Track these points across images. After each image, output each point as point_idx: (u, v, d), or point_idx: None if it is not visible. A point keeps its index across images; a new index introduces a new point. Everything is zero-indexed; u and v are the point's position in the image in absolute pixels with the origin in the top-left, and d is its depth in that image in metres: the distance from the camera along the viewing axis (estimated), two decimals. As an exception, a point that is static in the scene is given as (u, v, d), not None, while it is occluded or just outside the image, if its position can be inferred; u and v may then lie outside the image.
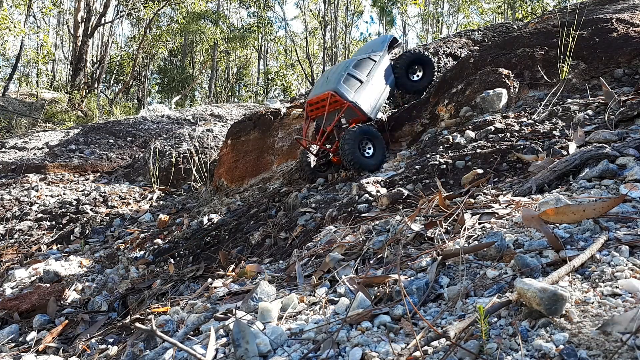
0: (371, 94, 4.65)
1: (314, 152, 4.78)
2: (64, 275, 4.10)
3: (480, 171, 2.93)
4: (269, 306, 1.69)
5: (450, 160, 3.30)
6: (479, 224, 1.99)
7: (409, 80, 5.22)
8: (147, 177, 7.15)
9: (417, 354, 1.17)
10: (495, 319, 1.22)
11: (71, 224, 5.49)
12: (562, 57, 4.02)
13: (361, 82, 4.57)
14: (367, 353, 1.24)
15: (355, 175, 4.50)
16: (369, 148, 4.29)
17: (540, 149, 2.90)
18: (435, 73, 5.63)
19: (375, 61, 4.80)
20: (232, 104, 12.02)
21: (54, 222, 5.53)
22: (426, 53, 5.44)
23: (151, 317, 2.49)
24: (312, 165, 4.71)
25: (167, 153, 7.93)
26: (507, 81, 4.19)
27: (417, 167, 3.45)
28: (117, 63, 21.83)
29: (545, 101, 3.74)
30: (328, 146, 4.69)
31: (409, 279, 1.65)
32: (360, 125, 4.34)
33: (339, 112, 4.50)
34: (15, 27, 13.95)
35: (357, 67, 4.65)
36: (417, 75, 5.33)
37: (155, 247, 4.56)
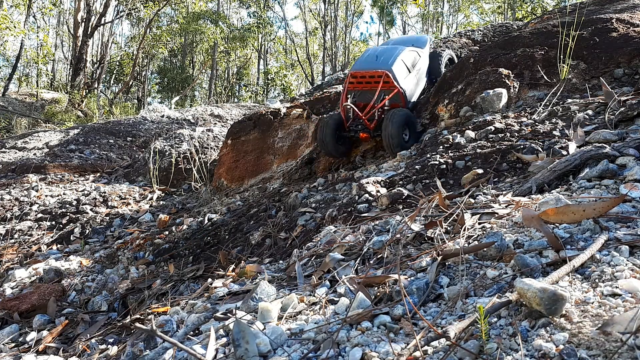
0: (413, 84, 4.86)
1: (347, 122, 4.78)
2: (64, 269, 4.10)
3: (480, 171, 2.92)
4: (269, 306, 1.69)
5: (450, 160, 3.30)
6: (479, 224, 1.99)
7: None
8: (147, 177, 7.15)
9: (417, 354, 1.17)
10: (495, 319, 1.22)
11: (71, 224, 5.49)
12: (562, 57, 4.02)
13: (409, 71, 4.77)
14: (367, 353, 1.24)
15: (354, 174, 4.50)
16: (406, 134, 4.41)
17: (540, 149, 2.90)
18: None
19: (420, 56, 5.02)
20: (232, 104, 12.02)
21: (54, 222, 5.53)
22: (453, 55, 5.91)
23: (151, 317, 2.49)
24: (333, 136, 4.73)
25: (167, 153, 7.93)
26: (507, 81, 4.19)
27: (417, 167, 3.45)
28: (117, 63, 21.84)
29: (545, 101, 3.74)
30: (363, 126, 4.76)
31: (409, 279, 1.65)
32: (405, 110, 4.52)
33: (387, 94, 4.61)
34: (15, 27, 13.95)
35: (407, 57, 4.81)
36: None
37: (155, 247, 4.56)
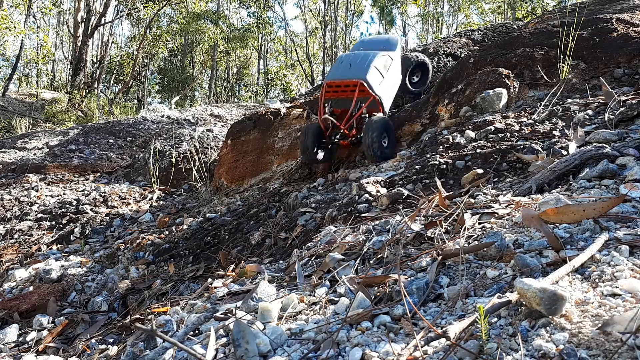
0: (388, 90, 4.87)
1: (327, 130, 4.82)
2: (64, 269, 4.10)
3: (480, 171, 2.93)
4: (269, 306, 1.69)
5: (450, 160, 3.30)
6: (479, 224, 1.99)
7: (410, 83, 5.60)
8: (147, 177, 7.15)
9: (417, 354, 1.17)
10: (495, 319, 1.22)
11: (71, 224, 5.49)
12: (562, 57, 4.02)
13: (383, 77, 4.75)
14: (367, 353, 1.24)
15: (354, 174, 4.49)
16: (385, 138, 4.48)
17: (540, 149, 2.90)
18: (430, 75, 5.90)
19: (392, 59, 4.98)
20: (232, 104, 12.01)
21: (54, 222, 5.53)
22: (425, 59, 5.76)
23: (151, 317, 2.49)
24: (314, 147, 4.78)
25: (167, 153, 7.93)
26: (507, 81, 4.19)
27: (417, 167, 3.45)
28: (117, 63, 21.83)
29: (545, 101, 3.74)
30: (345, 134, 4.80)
31: (409, 279, 1.65)
32: (382, 116, 4.58)
33: (363, 102, 4.64)
34: (15, 27, 13.95)
35: (379, 62, 4.80)
36: (417, 77, 5.71)
37: (155, 247, 4.56)
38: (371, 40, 5.69)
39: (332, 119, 4.70)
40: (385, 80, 4.80)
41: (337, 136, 4.84)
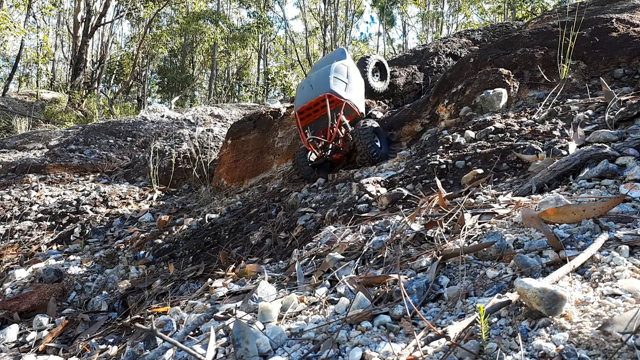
0: (355, 92, 4.95)
1: (317, 152, 4.90)
2: (64, 269, 4.10)
3: (480, 171, 2.93)
4: (269, 306, 1.69)
5: (450, 160, 3.30)
6: (479, 224, 2.00)
7: (373, 82, 5.89)
8: (147, 177, 7.15)
9: (417, 354, 1.17)
10: (495, 319, 1.22)
11: (71, 224, 5.49)
12: (562, 57, 4.02)
13: (345, 82, 4.83)
14: (367, 353, 1.24)
15: (354, 174, 4.49)
16: (377, 141, 4.58)
17: (540, 149, 2.90)
18: (388, 72, 6.27)
19: (347, 65, 5.09)
20: (232, 104, 12.01)
21: (54, 222, 5.53)
22: (381, 59, 6.13)
23: (151, 317, 2.49)
24: (309, 164, 4.88)
25: (167, 153, 7.93)
26: (507, 81, 4.19)
27: (417, 167, 3.45)
28: (117, 63, 21.83)
29: (545, 101, 3.74)
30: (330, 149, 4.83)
31: (409, 279, 1.65)
32: (368, 120, 4.62)
33: (338, 111, 4.68)
34: (15, 27, 13.94)
35: (337, 71, 4.90)
36: (377, 76, 6.07)
37: (155, 247, 4.56)
38: (320, 60, 5.89)
39: (316, 137, 4.78)
40: (349, 85, 4.87)
41: (329, 152, 4.87)
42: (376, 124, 4.65)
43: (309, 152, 4.96)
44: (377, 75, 6.01)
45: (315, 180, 4.73)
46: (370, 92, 5.79)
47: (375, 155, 4.43)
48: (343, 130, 4.81)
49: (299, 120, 4.87)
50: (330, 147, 4.85)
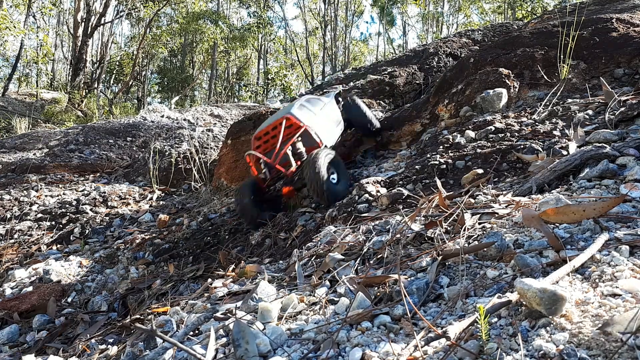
0: (325, 124, 4.45)
1: (264, 182, 4.26)
2: (64, 269, 4.10)
3: (480, 171, 2.93)
4: (269, 306, 1.69)
5: (450, 160, 3.30)
6: (479, 224, 1.99)
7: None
8: (147, 177, 7.15)
9: (417, 354, 1.17)
10: (495, 319, 1.22)
11: (71, 224, 5.49)
12: (562, 57, 4.02)
13: (314, 113, 4.41)
14: (367, 353, 1.24)
15: (354, 174, 4.48)
16: (333, 173, 3.83)
17: (540, 149, 2.90)
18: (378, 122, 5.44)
19: (325, 102, 4.72)
20: (232, 104, 12.02)
21: (53, 222, 5.53)
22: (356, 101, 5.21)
23: (151, 317, 2.49)
24: (253, 203, 4.09)
25: (167, 153, 7.93)
26: (507, 81, 4.19)
27: (417, 167, 3.45)
28: (117, 63, 21.84)
29: (545, 101, 3.74)
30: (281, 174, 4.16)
31: (409, 279, 1.65)
32: (326, 149, 3.94)
33: (295, 136, 4.12)
34: (15, 27, 13.95)
35: (309, 102, 4.56)
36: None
37: (155, 247, 4.56)
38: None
39: (259, 154, 4.11)
40: (317, 116, 4.40)
41: (277, 184, 4.31)
42: (333, 155, 3.90)
43: (258, 187, 4.24)
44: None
45: (258, 226, 4.04)
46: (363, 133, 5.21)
47: (328, 193, 3.61)
48: (296, 160, 4.10)
49: (255, 147, 4.30)
50: (279, 176, 4.21)
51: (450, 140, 3.71)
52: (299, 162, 4.04)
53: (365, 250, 2.17)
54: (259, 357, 1.38)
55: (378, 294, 1.64)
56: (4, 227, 5.34)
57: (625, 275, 1.25)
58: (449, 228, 2.06)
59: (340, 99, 5.24)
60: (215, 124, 9.73)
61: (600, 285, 1.24)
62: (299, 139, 4.16)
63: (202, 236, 4.51)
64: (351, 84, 7.23)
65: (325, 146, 4.24)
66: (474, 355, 1.09)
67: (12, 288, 3.91)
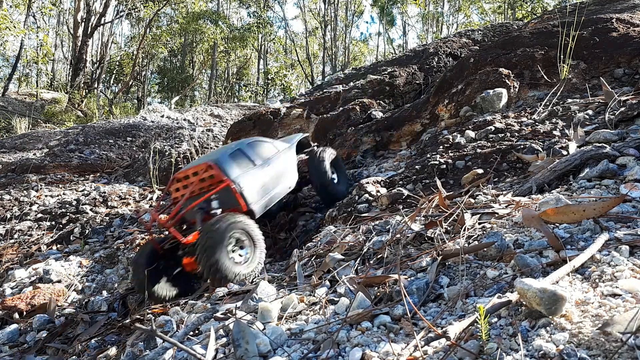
0: (263, 182, 3.52)
1: (160, 246, 3.29)
2: (64, 270, 4.10)
3: (480, 171, 2.93)
4: (269, 306, 1.69)
5: (450, 160, 3.30)
6: (479, 224, 2.00)
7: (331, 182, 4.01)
8: (147, 177, 7.15)
9: (417, 354, 1.17)
10: (495, 319, 1.22)
11: (71, 224, 5.49)
12: (562, 57, 4.02)
13: (254, 164, 3.56)
14: (367, 353, 1.24)
15: (354, 174, 4.46)
16: (241, 248, 3.02)
17: (540, 149, 2.90)
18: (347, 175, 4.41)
19: (278, 150, 3.87)
20: (232, 104, 12.02)
21: (53, 222, 5.53)
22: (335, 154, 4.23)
23: (151, 317, 2.49)
24: (151, 277, 3.12)
25: (167, 153, 7.93)
26: (507, 81, 4.19)
27: (417, 167, 3.45)
28: (117, 63, 21.84)
29: (545, 101, 3.74)
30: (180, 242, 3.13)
31: (409, 279, 1.65)
32: (232, 215, 3.06)
33: (218, 194, 3.29)
34: (15, 27, 13.95)
35: (253, 148, 3.69)
36: (334, 173, 4.14)
37: (155, 247, 4.55)
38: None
39: (153, 213, 3.32)
40: (259, 169, 3.53)
41: (176, 250, 3.31)
42: (241, 221, 3.01)
43: (156, 254, 3.26)
44: (334, 173, 4.13)
45: (166, 295, 3.12)
46: (325, 193, 3.99)
47: (215, 269, 2.75)
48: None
49: (173, 190, 3.56)
50: (177, 242, 3.21)
51: (450, 140, 3.71)
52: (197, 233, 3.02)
53: (365, 250, 2.17)
54: (259, 357, 1.38)
55: (378, 294, 1.64)
56: (4, 227, 5.34)
57: (625, 275, 1.25)
58: (449, 228, 2.06)
59: (310, 144, 4.32)
60: (215, 124, 9.73)
61: (600, 285, 1.24)
62: (217, 195, 3.27)
63: (202, 236, 4.50)
64: (351, 83, 7.23)
65: (251, 211, 3.29)
66: (474, 355, 1.09)
67: (12, 288, 3.91)
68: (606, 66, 3.96)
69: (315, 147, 4.09)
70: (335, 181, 3.67)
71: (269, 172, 3.59)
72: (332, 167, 3.68)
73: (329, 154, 3.67)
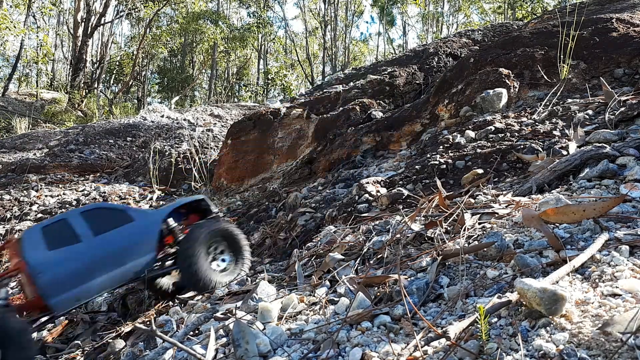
0: (85, 265, 2.72)
1: None
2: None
3: (480, 171, 2.92)
4: (269, 306, 1.69)
5: (450, 160, 3.30)
6: (479, 224, 1.99)
7: (210, 269, 2.98)
8: (147, 177, 7.15)
9: (417, 354, 1.17)
10: (495, 319, 1.22)
11: (71, 224, 5.48)
12: (562, 57, 4.02)
13: (78, 239, 2.78)
14: (367, 353, 1.24)
15: (354, 174, 4.46)
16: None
17: (540, 149, 2.90)
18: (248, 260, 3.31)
19: (132, 220, 2.99)
20: (232, 104, 12.02)
21: (53, 222, 5.53)
22: (234, 230, 3.30)
23: (151, 317, 2.49)
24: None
25: (167, 153, 7.93)
26: (507, 81, 4.19)
27: (417, 167, 3.45)
28: (117, 63, 21.84)
29: (545, 101, 3.74)
30: None
31: (409, 279, 1.65)
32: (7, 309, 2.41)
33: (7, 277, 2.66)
34: (15, 27, 13.95)
35: (89, 217, 2.89)
36: (223, 261, 3.16)
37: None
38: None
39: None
40: (87, 245, 2.76)
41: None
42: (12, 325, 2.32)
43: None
44: (223, 255, 3.18)
45: None
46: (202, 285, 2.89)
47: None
48: None
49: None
50: None
51: (450, 140, 3.71)
52: None
53: (365, 250, 2.17)
54: (259, 357, 1.38)
55: (378, 294, 1.64)
56: (4, 227, 5.34)
57: (625, 275, 1.25)
58: (449, 228, 2.06)
59: (211, 211, 3.37)
60: (215, 124, 9.73)
61: (600, 285, 1.24)
62: (7, 281, 2.65)
63: (202, 236, 4.49)
64: (351, 84, 7.23)
65: (49, 307, 2.58)
66: (474, 355, 1.09)
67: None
68: (606, 66, 3.96)
69: (210, 217, 3.12)
70: (216, 266, 2.81)
71: (100, 251, 2.77)
72: (218, 244, 2.87)
73: (210, 231, 2.78)
